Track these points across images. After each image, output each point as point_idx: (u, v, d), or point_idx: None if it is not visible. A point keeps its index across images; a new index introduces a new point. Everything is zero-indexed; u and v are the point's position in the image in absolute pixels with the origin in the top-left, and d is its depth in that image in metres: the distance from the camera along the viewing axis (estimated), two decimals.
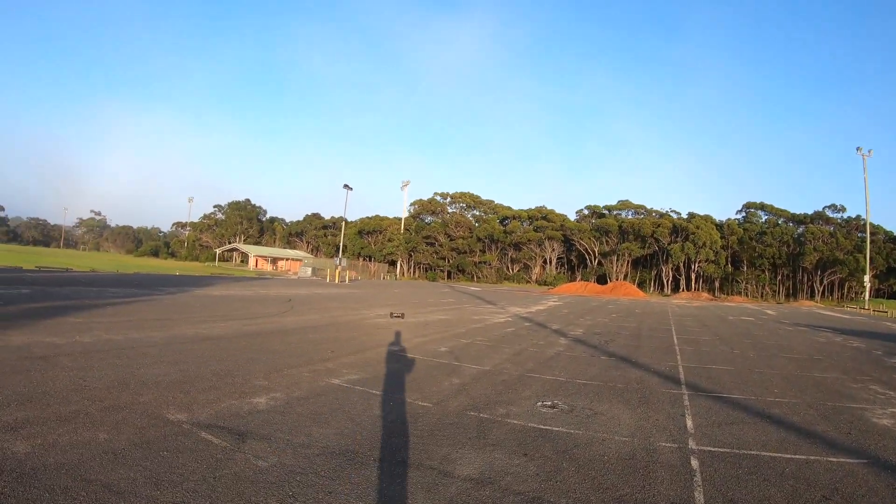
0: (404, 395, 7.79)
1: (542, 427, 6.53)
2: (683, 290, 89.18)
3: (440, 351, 12.54)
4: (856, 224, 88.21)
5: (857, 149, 69.04)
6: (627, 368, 11.69)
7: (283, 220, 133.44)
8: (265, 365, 9.38)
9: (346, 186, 66.30)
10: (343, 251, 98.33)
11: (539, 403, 7.77)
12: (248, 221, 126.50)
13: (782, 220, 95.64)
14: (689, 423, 7.37)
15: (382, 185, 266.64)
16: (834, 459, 6.16)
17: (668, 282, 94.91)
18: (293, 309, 20.93)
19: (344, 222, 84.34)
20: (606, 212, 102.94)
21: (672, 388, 9.70)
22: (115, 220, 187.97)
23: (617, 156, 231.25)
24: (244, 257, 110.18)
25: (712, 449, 6.35)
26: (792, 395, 9.97)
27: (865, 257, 72.97)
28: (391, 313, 20.08)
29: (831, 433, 7.43)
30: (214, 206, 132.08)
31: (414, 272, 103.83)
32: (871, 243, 76.26)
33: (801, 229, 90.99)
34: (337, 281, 55.65)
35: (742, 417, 7.99)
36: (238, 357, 9.95)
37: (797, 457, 6.21)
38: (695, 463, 5.76)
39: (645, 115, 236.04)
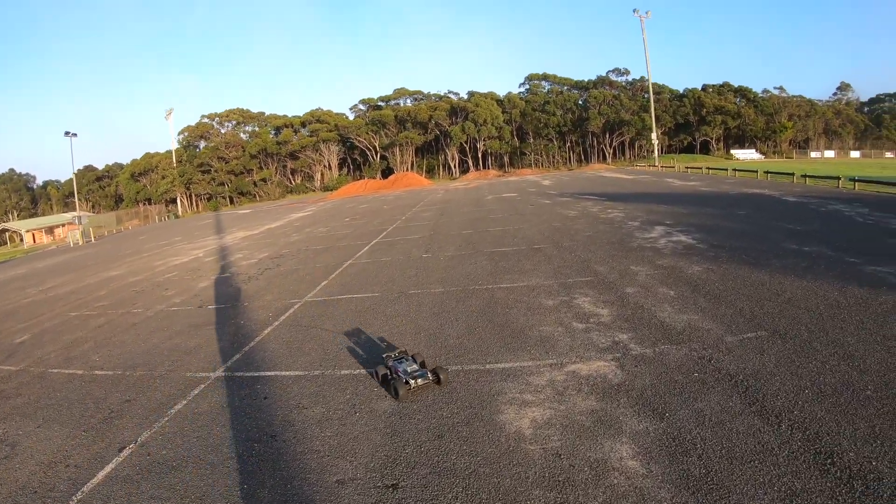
0: None
1: None
2: (472, 171, 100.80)
3: None
4: (641, 85, 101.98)
5: (634, 11, 78.16)
6: (201, 328, 11.06)
7: (57, 182, 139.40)
8: None
9: (67, 134, 69.60)
10: (120, 200, 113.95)
11: None
12: (16, 194, 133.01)
13: (566, 88, 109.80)
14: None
15: (151, 119, 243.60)
16: None
17: (455, 165, 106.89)
18: None
19: (74, 175, 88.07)
20: (382, 103, 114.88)
21: (201, 370, 8.50)
22: None
23: (395, 40, 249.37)
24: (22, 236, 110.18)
25: None
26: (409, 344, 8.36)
27: (651, 116, 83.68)
28: None
29: None
30: None
31: (196, 206, 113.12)
32: (657, 102, 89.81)
33: (586, 95, 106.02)
34: (82, 242, 58.53)
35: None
36: None
37: None
38: None
39: None
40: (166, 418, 6.74)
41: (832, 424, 4.91)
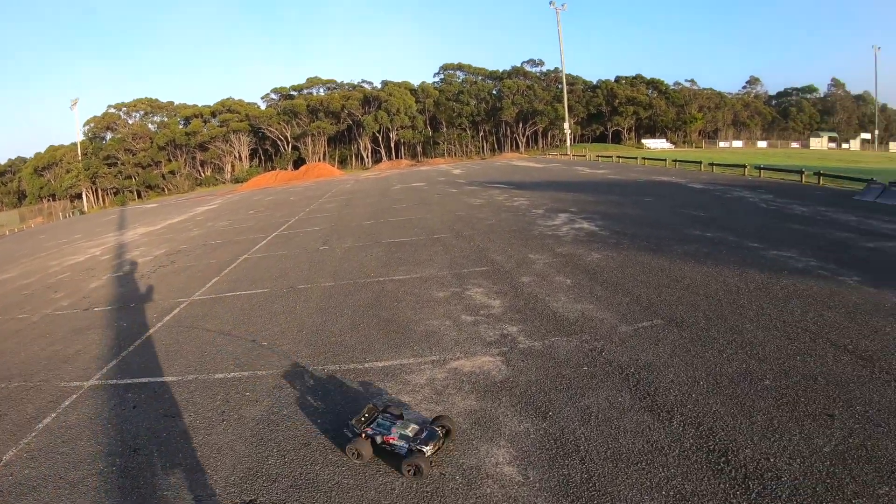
0: None
1: None
2: (384, 161, 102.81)
3: None
4: (555, 76, 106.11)
5: (550, 3, 79.68)
6: (83, 333, 10.68)
7: None
8: None
9: None
10: (23, 196, 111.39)
11: None
12: None
13: (481, 77, 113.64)
14: None
15: (55, 110, 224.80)
16: None
17: (367, 155, 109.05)
18: None
19: None
20: (295, 93, 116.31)
21: (76, 379, 8.22)
22: None
23: (309, 28, 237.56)
24: None
25: None
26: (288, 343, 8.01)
27: (564, 106, 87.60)
28: None
29: None
30: None
31: (103, 201, 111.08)
32: (570, 93, 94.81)
33: (500, 85, 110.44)
34: None
35: None
36: None
37: None
38: None
39: None
40: (34, 434, 6.42)
41: (728, 419, 4.74)
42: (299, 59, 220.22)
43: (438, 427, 4.85)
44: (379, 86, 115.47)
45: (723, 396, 5.09)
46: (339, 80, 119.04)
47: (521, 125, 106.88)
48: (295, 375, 6.75)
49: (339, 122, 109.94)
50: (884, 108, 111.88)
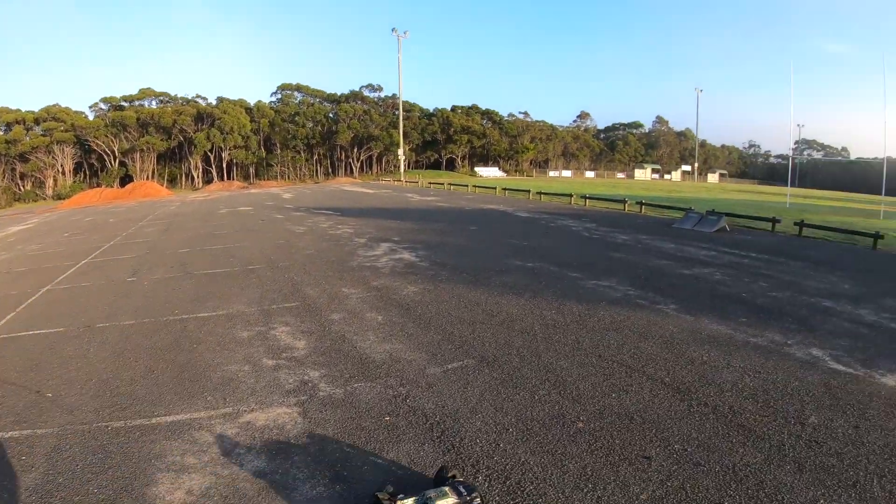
0: None
1: None
2: (216, 182, 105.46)
3: None
4: (392, 102, 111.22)
5: (393, 30, 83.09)
6: None
7: None
8: None
9: None
10: None
11: None
12: None
13: (318, 100, 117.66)
14: None
15: None
16: None
17: (198, 175, 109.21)
18: None
19: None
20: (126, 103, 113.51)
21: None
22: None
23: (146, 33, 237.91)
24: None
25: None
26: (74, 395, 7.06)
27: (399, 132, 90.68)
28: None
29: None
30: None
31: None
32: (407, 119, 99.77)
33: (336, 108, 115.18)
34: None
35: None
36: None
37: None
38: None
39: None
40: None
41: (537, 469, 4.59)
42: (133, 66, 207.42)
43: (450, 476, 4.31)
44: (214, 102, 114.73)
45: (533, 444, 4.98)
46: (172, 94, 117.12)
47: (356, 150, 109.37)
48: (76, 434, 5.91)
49: (170, 138, 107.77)
50: (703, 144, 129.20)
